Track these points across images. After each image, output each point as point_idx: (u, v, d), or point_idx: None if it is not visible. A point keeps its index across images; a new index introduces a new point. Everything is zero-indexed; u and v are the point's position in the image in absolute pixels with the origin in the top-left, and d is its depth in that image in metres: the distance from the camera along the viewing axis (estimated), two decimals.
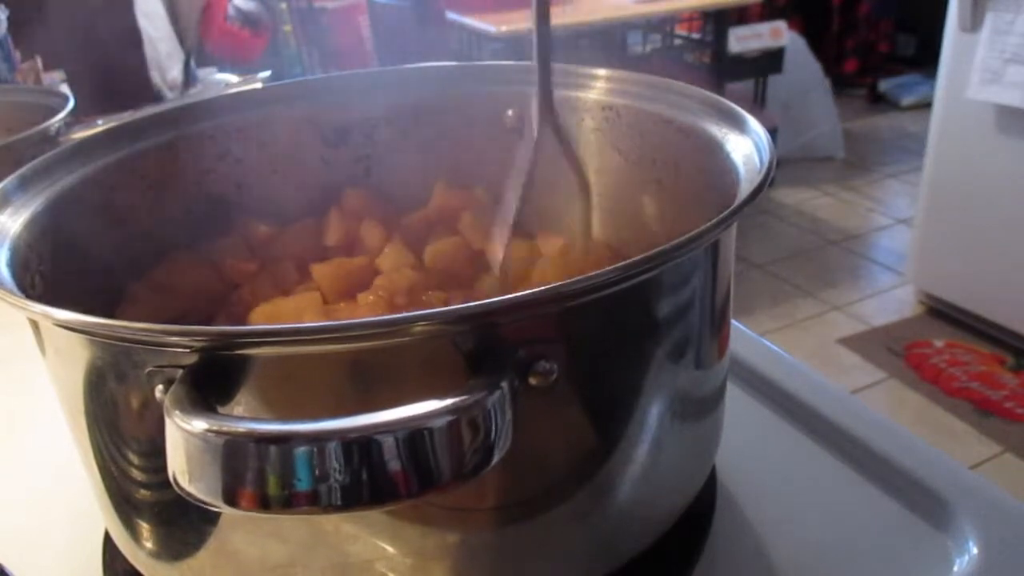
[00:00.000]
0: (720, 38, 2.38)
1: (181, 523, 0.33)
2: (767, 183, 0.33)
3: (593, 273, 0.27)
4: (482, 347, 0.27)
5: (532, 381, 0.27)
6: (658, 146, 0.46)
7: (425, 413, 0.23)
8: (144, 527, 0.35)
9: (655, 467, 0.35)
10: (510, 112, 0.50)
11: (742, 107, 0.40)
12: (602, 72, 0.49)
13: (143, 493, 0.33)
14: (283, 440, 0.22)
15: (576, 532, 0.34)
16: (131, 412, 0.30)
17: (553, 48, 0.41)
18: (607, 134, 0.49)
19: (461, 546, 0.32)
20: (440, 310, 0.25)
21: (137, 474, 0.32)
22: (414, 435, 0.23)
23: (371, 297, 0.43)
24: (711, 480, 0.46)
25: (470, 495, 0.31)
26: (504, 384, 0.25)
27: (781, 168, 2.87)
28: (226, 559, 0.32)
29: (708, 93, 0.43)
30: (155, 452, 0.29)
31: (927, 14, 3.03)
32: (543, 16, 0.40)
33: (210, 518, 0.32)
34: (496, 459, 0.24)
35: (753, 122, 0.39)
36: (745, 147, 0.38)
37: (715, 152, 0.40)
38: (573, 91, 0.49)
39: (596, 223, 0.51)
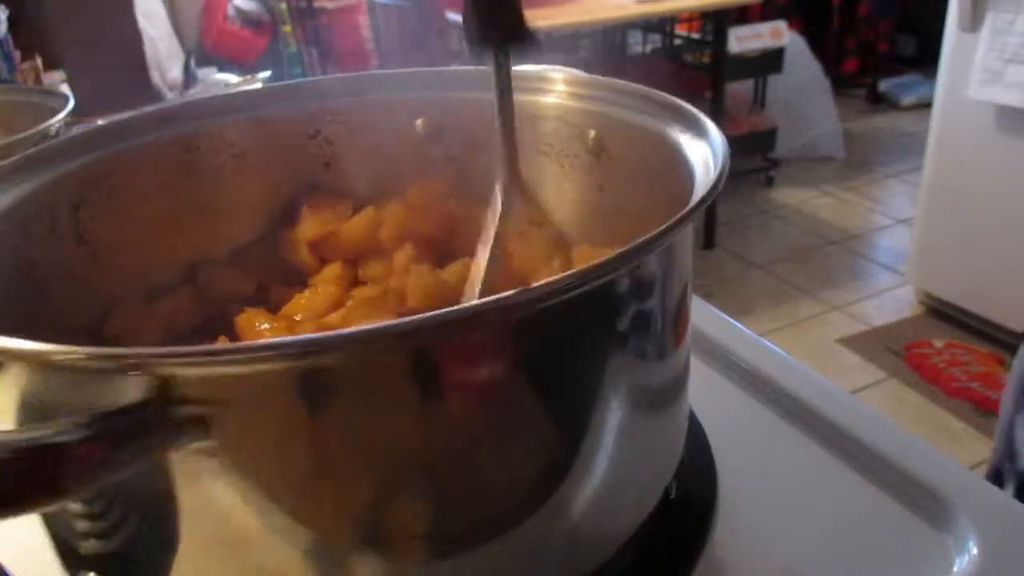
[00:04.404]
0: (720, 38, 2.38)
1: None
2: (713, 193, 0.33)
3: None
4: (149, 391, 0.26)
5: (185, 441, 0.27)
6: (615, 148, 0.46)
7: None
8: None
9: (611, 477, 0.35)
10: (592, 134, 0.48)
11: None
12: (560, 75, 0.49)
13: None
14: None
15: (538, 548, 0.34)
16: None
17: (512, 116, 0.41)
18: (562, 139, 0.49)
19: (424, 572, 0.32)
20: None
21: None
22: None
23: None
24: (711, 479, 0.46)
25: (419, 521, 0.31)
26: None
27: (781, 168, 2.87)
28: None
29: (669, 97, 0.43)
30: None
31: (927, 14, 3.03)
32: (505, 87, 0.40)
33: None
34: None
35: (711, 126, 0.39)
36: (703, 151, 0.38)
37: (672, 155, 0.40)
38: (531, 95, 0.49)
39: (573, 231, 0.51)
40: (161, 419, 0.26)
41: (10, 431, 0.24)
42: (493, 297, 0.26)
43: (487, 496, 0.32)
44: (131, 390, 0.26)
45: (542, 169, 0.51)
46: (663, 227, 0.29)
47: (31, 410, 0.30)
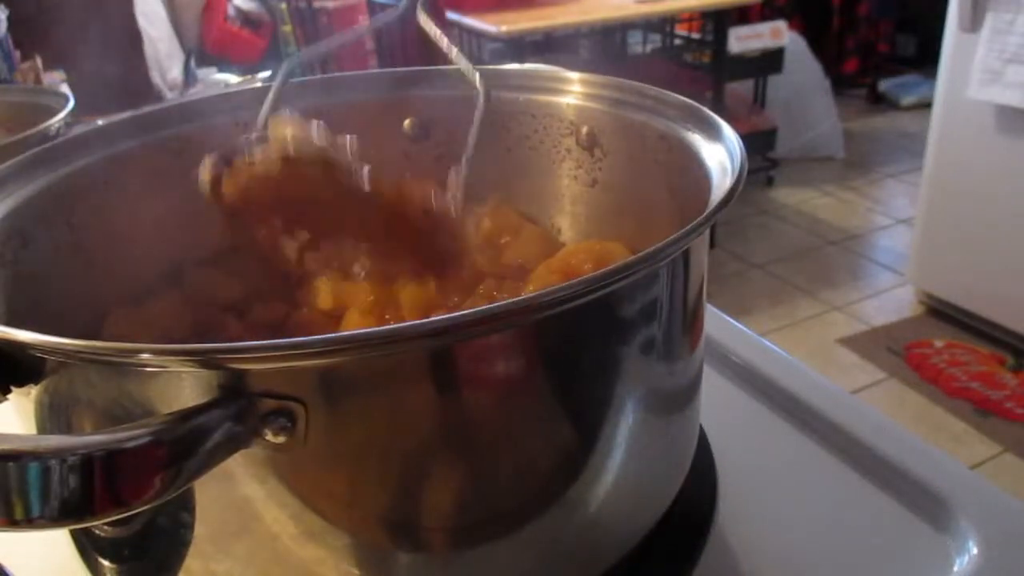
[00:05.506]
0: (720, 38, 2.38)
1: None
2: (732, 197, 0.32)
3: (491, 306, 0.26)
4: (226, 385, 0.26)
5: (269, 435, 0.26)
6: (631, 150, 0.46)
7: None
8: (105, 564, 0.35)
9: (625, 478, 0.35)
10: (584, 129, 0.48)
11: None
12: (576, 76, 0.49)
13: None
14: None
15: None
16: None
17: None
18: (580, 139, 0.49)
19: (429, 566, 0.32)
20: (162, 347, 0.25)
21: None
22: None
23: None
24: (711, 479, 0.46)
25: (436, 512, 0.31)
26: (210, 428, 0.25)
27: (781, 168, 2.87)
28: None
29: (685, 99, 0.43)
30: None
31: (927, 14, 3.03)
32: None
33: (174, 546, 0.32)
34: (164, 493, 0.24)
35: (727, 129, 0.38)
36: (719, 154, 0.38)
37: (689, 158, 0.40)
38: (549, 95, 0.49)
39: (567, 227, 0.51)
40: (240, 416, 0.26)
41: (81, 435, 0.23)
42: (542, 291, 0.26)
43: (512, 489, 0.32)
44: (192, 390, 0.26)
45: (537, 164, 0.51)
46: (691, 225, 0.29)
47: (97, 416, 0.30)
